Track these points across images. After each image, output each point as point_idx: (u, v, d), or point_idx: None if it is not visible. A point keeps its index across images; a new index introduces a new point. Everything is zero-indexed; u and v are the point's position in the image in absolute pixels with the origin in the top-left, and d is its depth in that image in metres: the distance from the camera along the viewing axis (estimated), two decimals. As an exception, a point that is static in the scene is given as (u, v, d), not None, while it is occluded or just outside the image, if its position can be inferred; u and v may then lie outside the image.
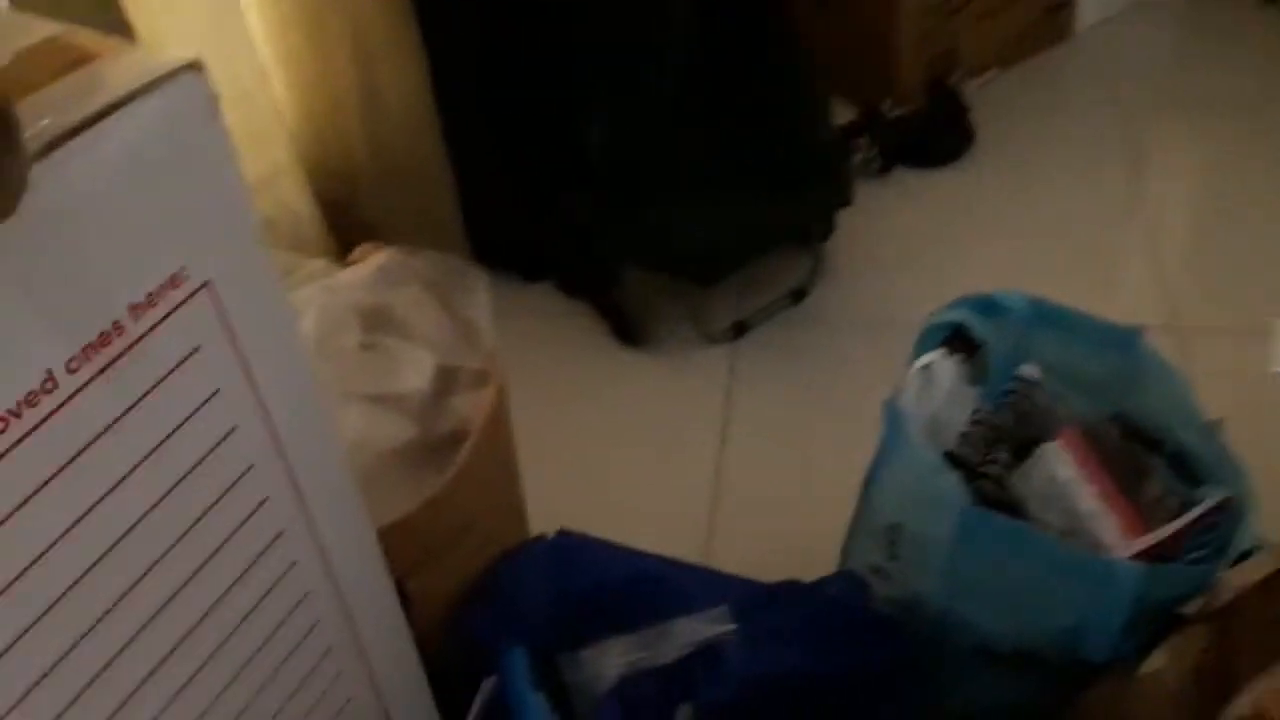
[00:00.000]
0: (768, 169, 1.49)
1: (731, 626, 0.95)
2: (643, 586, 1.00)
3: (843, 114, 1.87)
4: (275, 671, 0.73)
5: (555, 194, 1.54)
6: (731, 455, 1.46)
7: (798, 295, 1.64)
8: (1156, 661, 0.95)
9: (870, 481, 1.11)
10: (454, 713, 0.97)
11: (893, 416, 1.06)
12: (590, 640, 1.00)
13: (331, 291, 1.01)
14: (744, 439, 1.48)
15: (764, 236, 1.57)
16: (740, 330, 1.61)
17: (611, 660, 0.97)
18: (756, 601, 1.00)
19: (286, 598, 0.72)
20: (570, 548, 1.03)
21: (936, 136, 1.86)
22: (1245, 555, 0.97)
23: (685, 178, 1.46)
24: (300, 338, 0.67)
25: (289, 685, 0.75)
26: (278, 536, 0.69)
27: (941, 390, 1.11)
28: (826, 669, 0.95)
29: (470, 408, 1.02)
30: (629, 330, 1.61)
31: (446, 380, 1.03)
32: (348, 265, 1.05)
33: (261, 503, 0.67)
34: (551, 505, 1.16)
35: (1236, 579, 0.94)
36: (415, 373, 1.01)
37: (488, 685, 0.98)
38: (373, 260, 1.02)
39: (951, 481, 1.00)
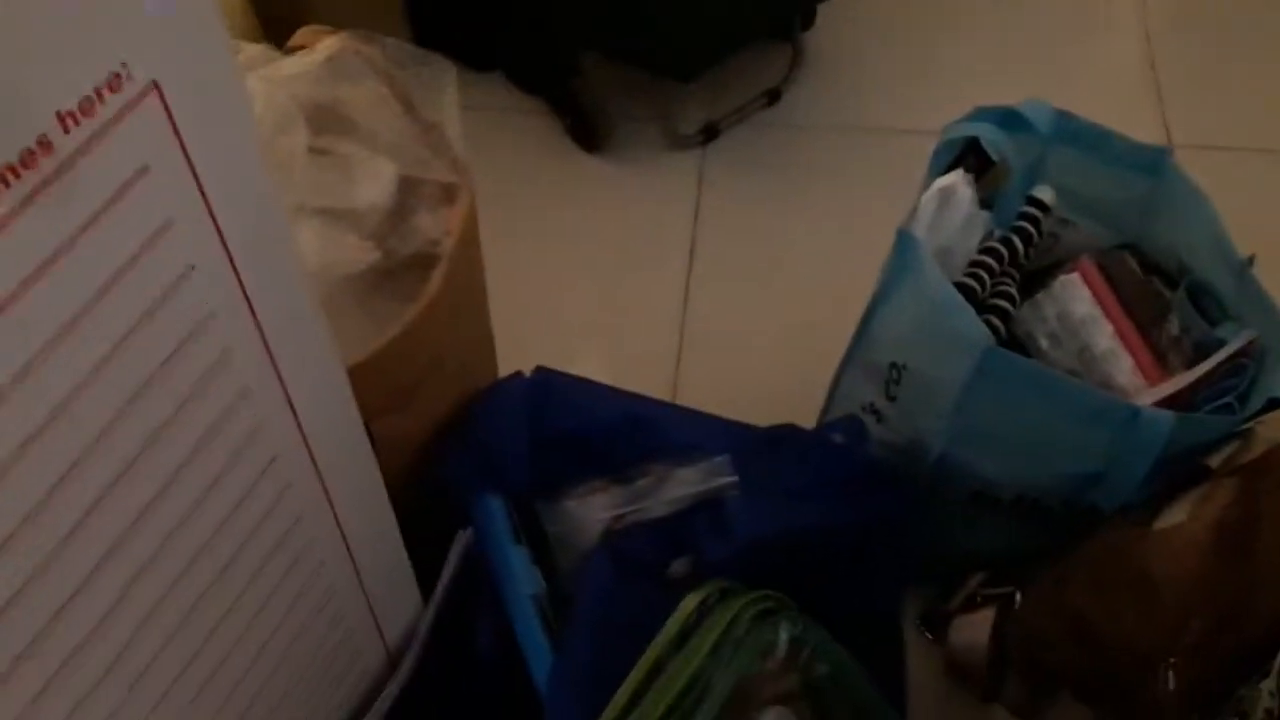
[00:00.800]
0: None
1: (733, 478, 0.86)
2: (629, 430, 0.91)
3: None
4: (246, 539, 0.63)
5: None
6: (700, 275, 1.36)
7: (773, 96, 1.51)
8: (1177, 514, 0.90)
9: (871, 314, 1.02)
10: (427, 565, 0.88)
11: (906, 245, 0.96)
12: (572, 488, 0.91)
13: (273, 84, 0.85)
14: (713, 258, 1.38)
15: (748, 26, 1.42)
16: (711, 133, 1.47)
17: (597, 511, 0.89)
18: (754, 448, 0.91)
19: (255, 461, 0.61)
20: (549, 387, 0.93)
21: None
22: (1274, 404, 0.91)
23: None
24: (258, 151, 0.53)
25: (261, 550, 0.65)
26: (243, 394, 0.58)
27: (959, 216, 1.01)
28: (830, 522, 0.88)
29: (436, 227, 0.89)
30: (589, 131, 1.46)
31: (409, 194, 0.90)
32: (289, 52, 0.89)
33: (223, 352, 0.55)
34: (508, 330, 1.05)
35: (1268, 433, 0.88)
36: (374, 184, 0.87)
37: (463, 537, 0.89)
38: (320, 48, 0.86)
39: (971, 320, 0.91)
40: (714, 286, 1.35)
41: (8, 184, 0.40)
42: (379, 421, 0.85)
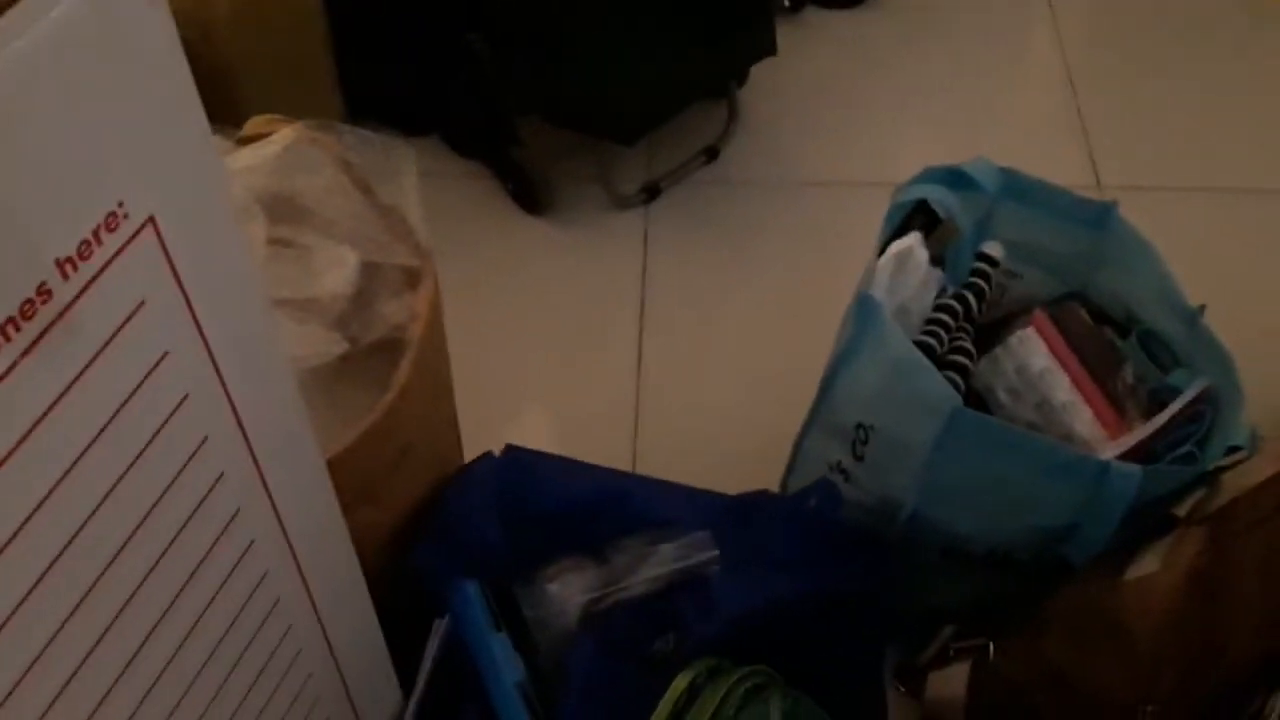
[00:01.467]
0: (694, 12, 1.33)
1: (714, 553, 0.86)
2: (603, 506, 0.90)
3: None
4: (225, 633, 0.60)
5: (450, 35, 1.34)
6: (652, 336, 1.36)
7: (711, 153, 1.52)
8: (1148, 564, 0.92)
9: (834, 376, 1.03)
10: (405, 656, 0.86)
11: (867, 308, 0.97)
12: (549, 568, 0.89)
13: (228, 175, 0.83)
14: (663, 318, 1.38)
15: (689, 88, 1.42)
16: (652, 193, 1.48)
17: (576, 593, 0.88)
18: (729, 517, 0.91)
19: (248, 578, 0.59)
20: (519, 466, 0.92)
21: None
22: (1232, 449, 0.94)
23: (604, 21, 1.29)
24: (254, 275, 0.51)
25: (238, 645, 0.62)
26: (236, 514, 0.56)
27: (915, 277, 1.02)
28: (813, 589, 0.88)
29: (400, 312, 0.88)
30: (531, 193, 1.45)
31: (371, 280, 0.88)
32: (242, 143, 0.87)
33: (219, 477, 0.53)
34: (464, 404, 1.03)
35: (1234, 481, 0.90)
36: (336, 273, 0.86)
37: (440, 626, 0.87)
38: (275, 138, 0.84)
39: (936, 380, 0.92)
40: (666, 348, 1.35)
41: (9, 337, 0.38)
42: (351, 514, 0.83)
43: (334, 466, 0.78)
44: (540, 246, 1.44)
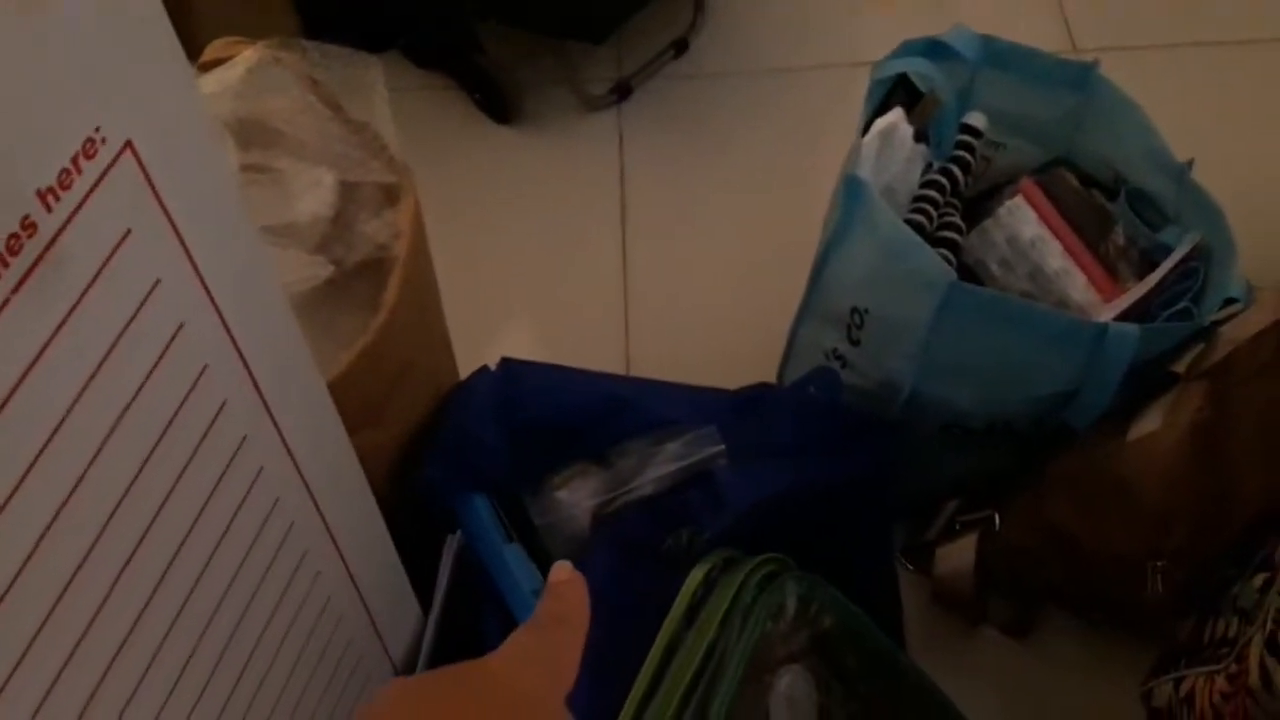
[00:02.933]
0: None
1: (720, 447, 0.86)
2: (604, 411, 0.90)
3: None
4: (240, 563, 0.60)
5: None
6: (635, 237, 1.34)
7: (680, 46, 1.48)
8: (1150, 422, 0.92)
9: (824, 262, 1.02)
10: (422, 575, 0.86)
11: (854, 189, 0.95)
12: (556, 476, 0.89)
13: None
14: (645, 218, 1.36)
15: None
16: (624, 91, 1.45)
17: (584, 498, 0.88)
18: (732, 412, 0.91)
19: (260, 504, 0.58)
20: (517, 377, 0.91)
21: None
22: (1229, 301, 0.93)
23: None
24: (237, 198, 0.50)
25: (255, 574, 0.62)
26: (242, 442, 0.55)
27: (900, 154, 1.00)
28: (822, 477, 0.88)
29: (383, 230, 0.86)
30: (499, 102, 1.42)
31: (349, 200, 0.86)
32: (204, 69, 0.84)
33: (221, 406, 0.52)
34: (454, 321, 1.02)
35: (1231, 333, 0.90)
36: (313, 195, 0.84)
37: (454, 541, 0.87)
38: (237, 60, 0.82)
39: (930, 258, 0.91)
40: (651, 247, 1.33)
41: (-3, 275, 0.36)
42: (354, 437, 0.82)
43: (332, 390, 0.77)
44: (513, 155, 1.41)
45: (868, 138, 0.98)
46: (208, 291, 0.48)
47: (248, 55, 0.81)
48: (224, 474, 0.54)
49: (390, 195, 0.87)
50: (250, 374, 0.53)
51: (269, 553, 0.62)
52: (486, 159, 1.41)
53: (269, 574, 0.62)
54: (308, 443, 0.62)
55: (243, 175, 0.82)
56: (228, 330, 0.50)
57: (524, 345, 1.26)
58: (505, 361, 0.92)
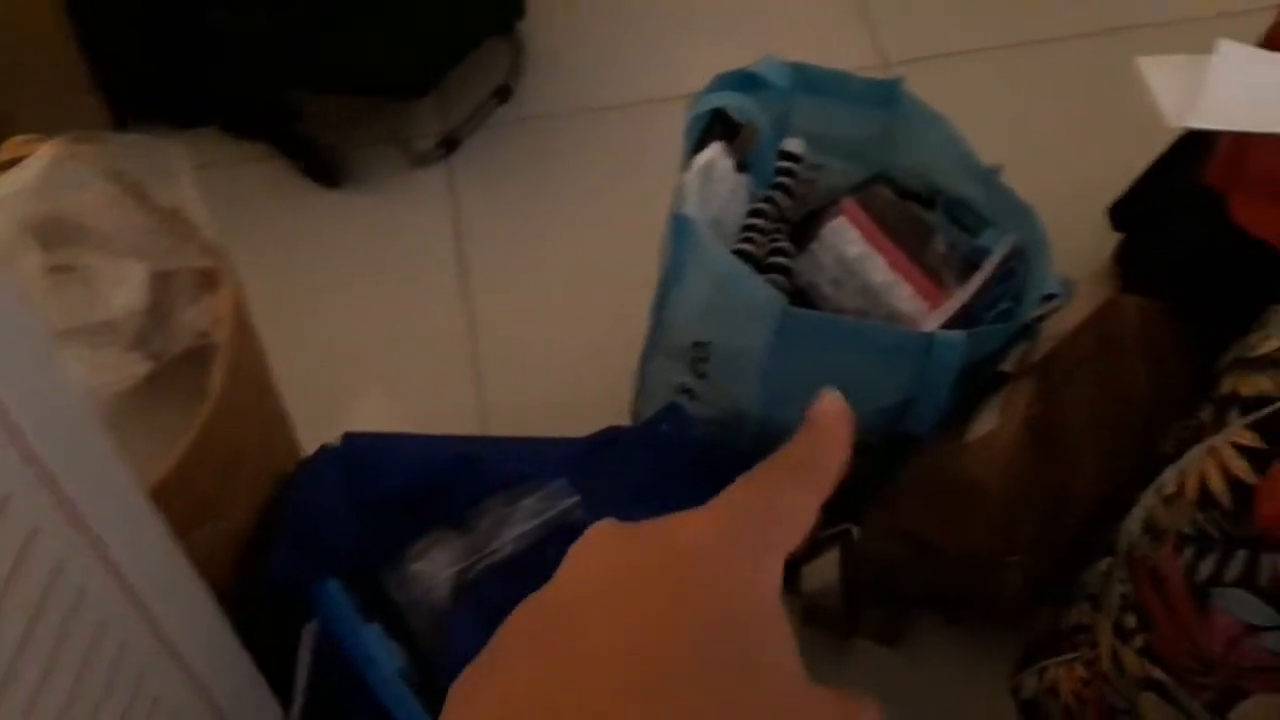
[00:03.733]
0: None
1: (575, 498, 0.85)
2: (455, 475, 0.89)
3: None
4: (70, 693, 0.56)
5: (206, 13, 1.26)
6: (479, 291, 1.33)
7: (504, 93, 1.48)
8: (987, 422, 0.95)
9: (663, 300, 1.02)
10: (282, 668, 0.83)
11: (683, 227, 0.96)
12: (412, 548, 0.88)
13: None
14: (487, 270, 1.35)
15: (468, 30, 1.38)
16: (451, 144, 1.43)
17: (442, 567, 0.86)
18: (586, 459, 0.90)
19: (80, 627, 0.55)
20: (361, 451, 0.89)
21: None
22: (1049, 298, 0.97)
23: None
24: (31, 313, 0.47)
25: (88, 704, 0.59)
26: (58, 567, 0.52)
27: (725, 187, 1.02)
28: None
29: (202, 317, 0.83)
30: (324, 167, 1.40)
31: (164, 290, 0.83)
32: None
33: (31, 534, 0.49)
34: (300, 400, 0.99)
35: (1053, 328, 0.94)
36: (124, 289, 0.81)
37: (310, 631, 0.84)
38: (34, 159, 0.78)
39: (760, 287, 0.93)
40: (495, 298, 1.32)
41: None
42: (193, 533, 0.79)
43: (165, 489, 0.74)
44: (345, 220, 1.39)
45: (690, 174, 1.00)
46: (7, 417, 0.46)
47: (44, 152, 0.78)
48: (40, 602, 0.51)
49: (208, 280, 0.85)
50: (61, 495, 0.51)
51: (102, 678, 0.59)
52: (317, 226, 1.38)
53: (103, 707, 0.59)
54: (132, 556, 0.59)
55: (49, 276, 0.79)
56: (32, 454, 0.48)
57: (374, 416, 1.24)
58: (348, 436, 0.90)
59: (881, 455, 1.03)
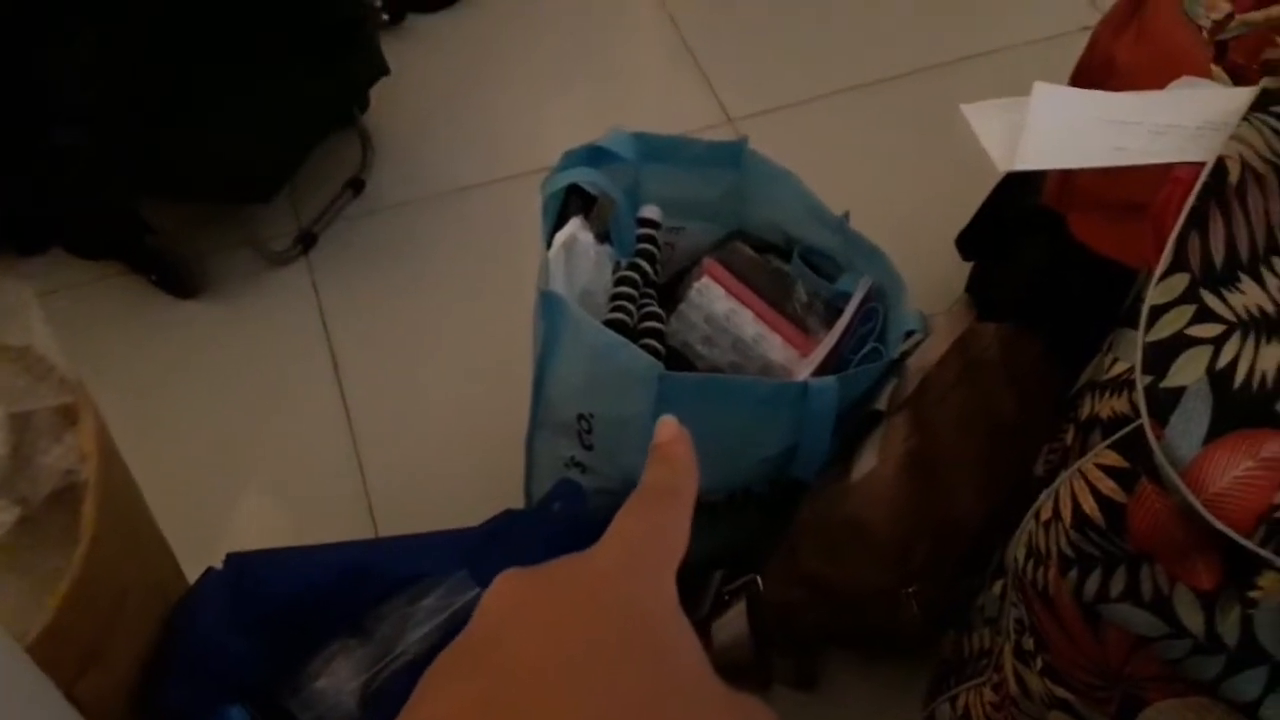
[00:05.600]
0: (295, 53, 1.28)
1: (475, 591, 0.84)
2: (349, 582, 0.87)
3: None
4: None
5: (32, 135, 1.23)
6: (354, 389, 1.31)
7: (356, 185, 1.47)
8: (868, 461, 0.98)
9: (541, 376, 1.03)
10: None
11: (551, 304, 0.97)
12: (313, 664, 0.85)
13: None
14: (360, 367, 1.33)
15: (311, 127, 1.37)
16: (309, 241, 1.42)
17: (347, 680, 0.84)
18: (481, 548, 0.90)
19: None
20: (248, 570, 0.87)
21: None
22: (910, 334, 1.01)
23: (203, 84, 1.22)
24: None
25: None
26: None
27: (588, 260, 1.03)
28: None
29: (67, 456, 0.80)
30: (179, 279, 1.37)
31: (25, 432, 0.80)
32: None
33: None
34: (181, 528, 0.96)
35: (918, 362, 0.97)
36: (-21, 437, 0.77)
37: (216, 764, 0.81)
38: None
39: (636, 355, 0.94)
40: (371, 393, 1.31)
41: None
42: (80, 682, 0.76)
43: (45, 641, 0.71)
44: (207, 330, 1.35)
45: (551, 252, 1.01)
46: None
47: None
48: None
49: (69, 416, 0.82)
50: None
51: None
52: (178, 340, 1.34)
53: None
54: (16, 717, 0.56)
55: (-107, 435, 0.75)
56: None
57: (260, 529, 1.21)
58: (231, 557, 0.88)
59: (773, 504, 1.05)
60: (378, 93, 1.53)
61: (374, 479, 1.24)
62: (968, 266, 1.22)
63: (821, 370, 1.00)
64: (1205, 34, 0.93)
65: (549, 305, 0.98)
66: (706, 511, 1.03)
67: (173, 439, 1.24)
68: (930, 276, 1.10)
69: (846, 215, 1.06)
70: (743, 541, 1.08)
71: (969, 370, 0.98)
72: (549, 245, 1.02)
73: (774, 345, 1.06)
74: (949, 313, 1.00)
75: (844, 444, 1.02)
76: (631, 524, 0.39)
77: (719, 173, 1.12)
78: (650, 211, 1.11)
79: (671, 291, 1.12)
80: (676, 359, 1.08)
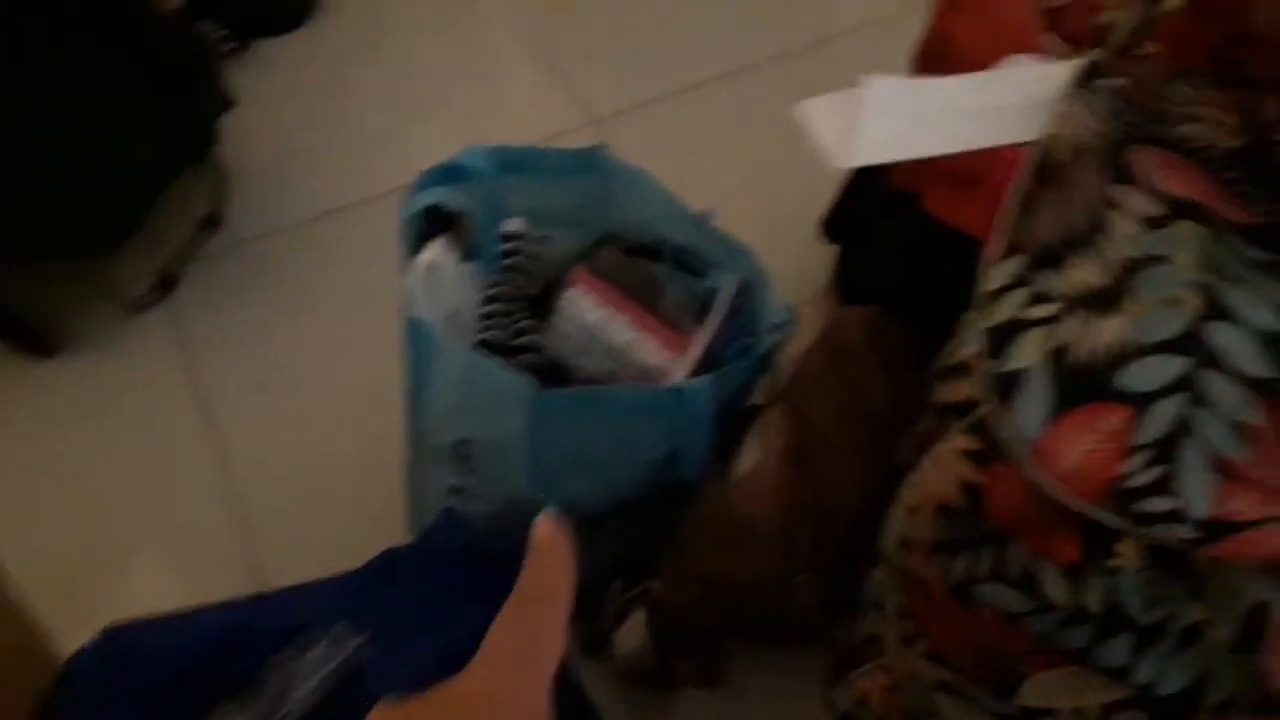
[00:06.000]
0: (130, 102, 1.23)
1: (360, 638, 0.82)
2: (232, 641, 0.84)
3: None
4: None
5: None
6: (226, 432, 1.27)
7: (214, 221, 1.43)
8: (750, 458, 0.98)
9: (413, 405, 1.01)
10: None
11: (416, 330, 0.95)
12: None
13: None
14: (231, 409, 1.29)
15: (157, 170, 1.32)
16: (169, 283, 1.37)
17: (237, 743, 0.81)
18: (367, 591, 0.88)
19: None
20: (125, 643, 0.83)
21: (279, -4, 1.67)
22: (779, 326, 1.01)
23: (27, 142, 1.17)
24: None
25: None
26: None
27: (451, 280, 1.01)
28: (466, 626, 0.87)
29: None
30: (34, 337, 1.31)
31: None
32: None
33: None
34: (53, 600, 0.92)
35: (791, 354, 0.98)
36: None
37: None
38: None
39: (507, 376, 0.93)
40: (247, 437, 1.27)
41: None
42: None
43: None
44: (69, 388, 1.30)
45: (411, 277, 0.99)
46: None
47: None
48: None
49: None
50: None
51: None
52: (39, 402, 1.29)
53: None
54: None
55: None
56: None
57: (140, 595, 1.16)
58: (106, 631, 0.84)
59: (663, 507, 1.05)
60: (230, 123, 1.48)
61: (255, 526, 1.20)
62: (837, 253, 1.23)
63: (697, 370, 1.00)
64: (1039, 3, 0.95)
65: (414, 332, 0.96)
66: (597, 523, 1.03)
67: (39, 510, 1.19)
68: (801, 265, 1.11)
69: (708, 213, 1.06)
70: (637, 549, 1.08)
71: (836, 358, 0.98)
72: (410, 270, 1.00)
73: (649, 349, 1.05)
74: (814, 302, 1.01)
75: (725, 441, 1.02)
76: (505, 637, 0.39)
77: (580, 179, 1.11)
78: (514, 225, 1.10)
79: (544, 302, 1.11)
80: (555, 371, 1.07)
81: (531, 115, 1.58)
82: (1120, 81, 0.62)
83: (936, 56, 0.99)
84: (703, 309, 1.09)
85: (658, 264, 1.11)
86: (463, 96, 1.63)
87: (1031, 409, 0.54)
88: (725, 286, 1.05)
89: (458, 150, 1.06)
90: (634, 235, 1.14)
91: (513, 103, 1.62)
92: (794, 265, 1.10)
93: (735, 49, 1.66)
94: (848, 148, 0.63)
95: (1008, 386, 0.54)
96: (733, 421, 1.01)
